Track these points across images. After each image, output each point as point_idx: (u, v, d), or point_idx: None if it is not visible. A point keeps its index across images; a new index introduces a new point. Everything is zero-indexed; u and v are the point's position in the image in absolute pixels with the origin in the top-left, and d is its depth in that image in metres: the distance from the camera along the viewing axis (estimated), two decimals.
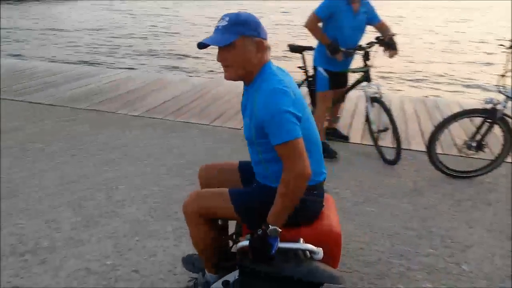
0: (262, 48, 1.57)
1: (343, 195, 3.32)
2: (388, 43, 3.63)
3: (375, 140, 4.11)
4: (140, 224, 2.87)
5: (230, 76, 1.59)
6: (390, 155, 3.95)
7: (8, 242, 2.62)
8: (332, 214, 1.81)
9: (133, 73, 7.73)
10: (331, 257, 1.66)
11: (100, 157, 3.95)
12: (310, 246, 1.59)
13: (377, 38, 3.72)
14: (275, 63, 1.67)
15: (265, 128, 1.50)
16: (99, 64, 11.99)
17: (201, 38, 1.68)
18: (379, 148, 4.07)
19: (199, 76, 9.27)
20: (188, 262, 2.18)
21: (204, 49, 1.61)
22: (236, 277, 1.73)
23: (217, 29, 1.54)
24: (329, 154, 3.96)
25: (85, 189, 3.32)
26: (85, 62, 12.08)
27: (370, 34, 3.87)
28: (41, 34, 19.47)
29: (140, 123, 4.97)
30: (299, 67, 4.22)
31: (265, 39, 1.59)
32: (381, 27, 3.76)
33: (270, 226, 1.52)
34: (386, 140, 4.30)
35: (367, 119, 4.06)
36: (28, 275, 2.33)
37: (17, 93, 5.98)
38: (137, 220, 2.92)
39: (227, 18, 1.54)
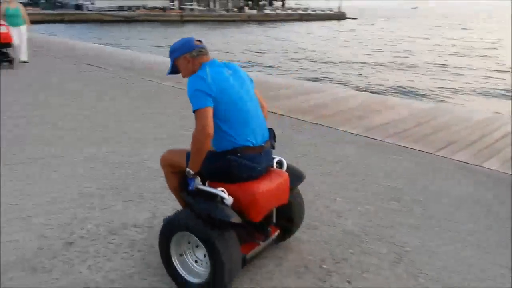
0: (187, 59, 2.23)
1: None
2: None
3: None
4: (354, 237, 2.93)
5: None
6: None
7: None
8: (266, 183, 2.19)
9: (355, 92, 7.95)
10: (246, 210, 2.10)
11: (319, 168, 4.21)
12: (221, 193, 2.06)
13: None
14: None
15: None
16: (327, 79, 12.86)
17: None
18: None
19: (421, 100, 8.81)
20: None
21: None
22: None
23: None
24: None
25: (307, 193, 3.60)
26: (315, 79, 13.13)
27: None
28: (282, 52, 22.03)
29: (357, 141, 5.07)
30: None
31: (190, 51, 2.22)
32: None
33: (188, 170, 2.13)
34: None
35: None
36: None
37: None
38: (351, 232, 2.99)
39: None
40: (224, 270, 2.01)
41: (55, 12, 45.77)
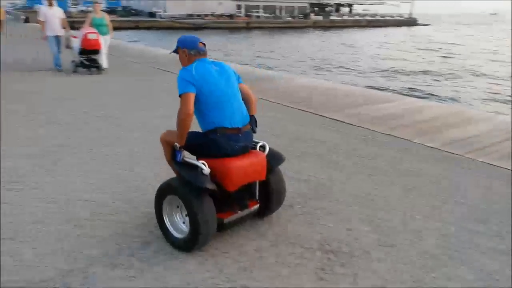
0: (186, 54, 2.70)
1: None
2: None
3: None
4: (433, 258, 2.73)
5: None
6: None
7: (316, 238, 2.99)
8: (241, 160, 2.61)
9: (430, 103, 7.53)
10: (222, 181, 2.54)
11: (393, 182, 4.00)
12: (201, 165, 2.51)
13: None
14: None
15: None
16: (400, 89, 12.36)
17: None
18: None
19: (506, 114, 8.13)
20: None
21: None
22: None
23: None
24: None
25: (382, 208, 3.43)
26: (385, 89, 12.66)
27: None
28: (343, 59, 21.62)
29: (434, 155, 4.77)
30: None
31: (189, 49, 2.69)
32: None
33: (175, 144, 2.65)
34: None
35: None
36: (330, 272, 2.58)
37: (323, 109, 6.82)
38: (431, 254, 2.79)
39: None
40: (200, 228, 2.50)
41: (130, 19, 48.64)
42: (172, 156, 2.73)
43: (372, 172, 4.22)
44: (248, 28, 55.29)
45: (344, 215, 3.32)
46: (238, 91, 2.75)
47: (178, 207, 2.75)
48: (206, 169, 2.52)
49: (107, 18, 9.52)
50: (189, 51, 2.70)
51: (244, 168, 2.61)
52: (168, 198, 2.71)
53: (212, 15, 62.28)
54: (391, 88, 13.67)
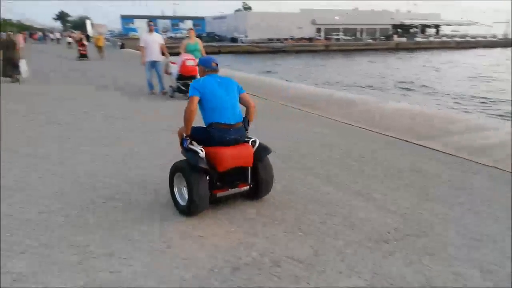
0: (201, 69, 3.62)
1: None
2: None
3: None
4: None
5: None
6: None
7: (419, 279, 2.70)
8: (230, 149, 3.37)
9: None
10: (214, 163, 3.31)
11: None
12: (199, 150, 3.27)
13: None
14: None
15: None
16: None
17: None
18: None
19: None
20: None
21: None
22: None
23: None
24: None
25: (492, 252, 3.04)
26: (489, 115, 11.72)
27: None
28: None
29: None
30: None
31: (205, 65, 3.61)
32: None
33: (183, 134, 3.45)
34: None
35: None
36: None
37: (415, 136, 6.39)
38: None
39: None
40: (193, 197, 3.25)
41: (214, 44, 51.18)
42: (181, 143, 3.48)
43: (480, 209, 3.79)
44: (328, 50, 55.14)
45: (449, 256, 2.98)
46: (235, 98, 3.54)
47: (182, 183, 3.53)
48: (202, 153, 3.29)
49: (200, 44, 9.62)
50: (204, 68, 3.65)
51: (232, 155, 3.35)
52: (176, 175, 3.51)
53: (291, 38, 63.27)
54: (490, 113, 12.55)
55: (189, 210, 3.35)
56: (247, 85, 12.11)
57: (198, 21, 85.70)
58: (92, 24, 60.50)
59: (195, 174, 3.26)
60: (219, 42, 56.99)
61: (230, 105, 3.44)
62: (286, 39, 63.10)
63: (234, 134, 3.43)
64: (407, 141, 6.12)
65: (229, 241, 3.11)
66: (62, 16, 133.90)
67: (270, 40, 62.20)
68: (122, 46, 37.93)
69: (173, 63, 9.29)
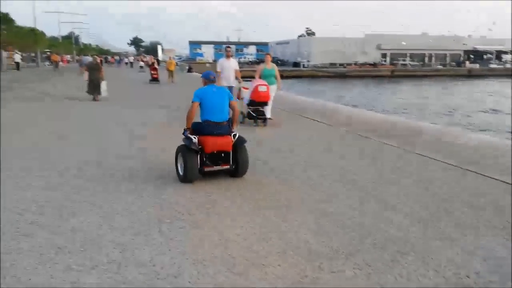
0: (204, 81, 4.92)
1: None
2: None
3: None
4: None
5: None
6: None
7: None
8: (214, 138, 4.57)
9: None
10: (204, 146, 4.50)
11: None
12: (193, 137, 4.49)
13: None
14: None
15: None
16: None
17: None
18: None
19: None
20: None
21: None
22: None
23: None
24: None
25: None
26: None
27: None
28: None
29: None
30: None
31: (206, 78, 4.90)
32: None
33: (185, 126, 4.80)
34: None
35: None
36: None
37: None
38: None
39: None
40: (187, 171, 4.43)
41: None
42: (183, 133, 4.69)
43: None
44: (393, 76, 53.41)
45: None
46: (225, 103, 4.74)
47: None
48: (195, 140, 4.50)
49: (276, 70, 9.17)
50: (206, 80, 4.90)
51: (215, 142, 4.58)
52: (178, 155, 4.69)
53: (355, 64, 62.30)
54: None
55: (185, 178, 4.54)
56: (312, 111, 11.57)
57: (262, 46, 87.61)
58: (163, 49, 64.09)
59: (189, 153, 4.52)
60: (281, 67, 57.43)
61: (219, 109, 4.71)
62: (349, 64, 62.25)
63: (220, 129, 4.66)
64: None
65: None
66: (135, 42, 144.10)
67: (333, 65, 61.66)
68: (190, 70, 39.45)
69: (246, 88, 8.95)
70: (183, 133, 4.65)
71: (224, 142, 4.61)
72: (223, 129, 4.67)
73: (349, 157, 5.89)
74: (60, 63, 44.45)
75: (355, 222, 3.52)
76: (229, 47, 9.97)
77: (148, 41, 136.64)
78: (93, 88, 12.93)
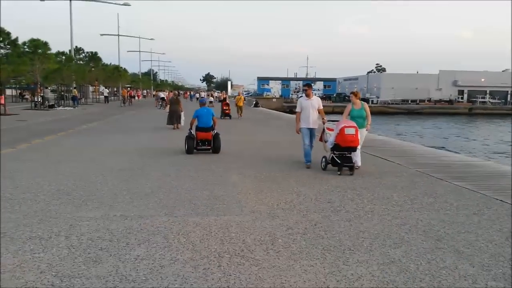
0: (200, 104, 10.40)
1: None
2: None
3: None
4: None
5: None
6: None
7: None
8: (203, 133, 9.46)
9: None
10: (196, 136, 9.46)
11: None
12: (191, 132, 9.51)
13: None
14: None
15: None
16: None
17: None
18: None
19: None
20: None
21: None
22: None
23: None
24: None
25: None
26: None
27: None
28: None
29: None
30: None
31: (201, 102, 10.54)
32: None
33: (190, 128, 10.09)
34: None
35: None
36: None
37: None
38: None
39: None
40: (188, 148, 9.27)
41: (343, 104, 51.05)
42: (189, 129, 9.51)
43: None
44: (471, 114, 50.20)
45: None
46: (210, 118, 9.48)
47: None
48: (193, 133, 9.36)
49: (366, 109, 7.86)
50: (200, 103, 10.16)
51: (201, 135, 9.39)
52: (185, 140, 9.42)
53: (428, 100, 59.69)
54: None
55: (187, 152, 9.12)
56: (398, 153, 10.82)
57: (329, 82, 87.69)
58: (232, 85, 66.63)
59: (189, 139, 9.23)
60: (348, 103, 56.72)
61: (206, 122, 9.39)
62: (422, 100, 59.76)
63: (205, 131, 9.36)
64: None
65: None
66: (207, 78, 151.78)
67: (404, 101, 59.60)
68: (256, 105, 40.38)
69: (330, 129, 7.62)
70: (189, 130, 9.51)
71: (208, 135, 9.43)
72: (208, 130, 9.42)
73: None
74: (135, 98, 48.32)
75: None
76: (309, 84, 8.90)
77: (219, 77, 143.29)
78: (174, 118, 15.38)
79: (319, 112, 7.98)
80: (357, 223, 4.34)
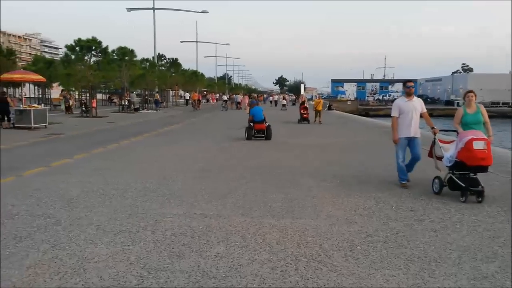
0: (252, 105, 14.23)
1: None
2: None
3: None
4: None
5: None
6: None
7: None
8: (260, 125, 12.70)
9: None
10: (255, 128, 12.74)
11: None
12: (250, 123, 12.91)
13: None
14: None
15: None
16: None
17: None
18: None
19: None
20: None
21: None
22: None
23: None
24: None
25: None
26: None
27: None
28: None
29: None
30: None
31: (253, 103, 14.73)
32: None
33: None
34: None
35: None
36: None
37: None
38: None
39: None
40: (247, 136, 12.61)
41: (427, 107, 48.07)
42: (248, 122, 13.01)
43: None
44: None
45: None
46: (261, 112, 12.76)
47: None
48: (252, 124, 12.73)
49: (484, 113, 5.89)
50: (252, 104, 14.01)
51: (258, 126, 12.59)
52: (245, 129, 12.92)
53: None
54: None
55: (247, 139, 12.33)
56: None
57: None
58: (305, 88, 66.22)
59: (249, 129, 12.55)
60: (431, 105, 53.35)
61: (259, 116, 12.58)
62: None
63: (260, 123, 12.54)
64: None
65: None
66: (280, 81, 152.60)
67: (495, 103, 54.64)
68: (330, 108, 39.66)
69: (445, 142, 5.94)
70: (248, 122, 12.51)
71: (262, 126, 12.34)
72: (261, 122, 12.31)
73: None
74: (210, 101, 50.50)
75: None
76: (410, 81, 6.51)
77: (292, 80, 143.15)
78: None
79: (422, 117, 6.29)
80: (444, 234, 4.04)
